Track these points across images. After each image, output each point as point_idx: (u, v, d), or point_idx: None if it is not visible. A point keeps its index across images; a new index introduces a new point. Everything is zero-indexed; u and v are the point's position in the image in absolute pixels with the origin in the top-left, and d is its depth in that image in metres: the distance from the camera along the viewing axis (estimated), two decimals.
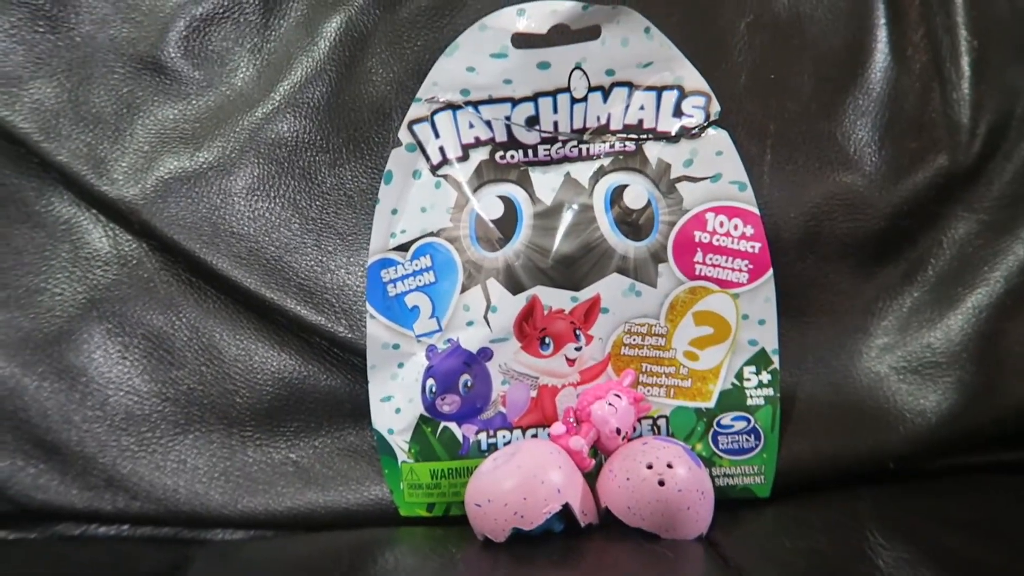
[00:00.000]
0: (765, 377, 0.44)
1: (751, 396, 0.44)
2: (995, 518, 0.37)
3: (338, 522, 0.45)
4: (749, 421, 0.44)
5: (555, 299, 0.43)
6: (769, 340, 0.44)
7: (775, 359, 0.44)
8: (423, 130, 0.43)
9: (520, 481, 0.38)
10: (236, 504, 0.45)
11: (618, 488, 0.39)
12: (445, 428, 0.44)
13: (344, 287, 0.46)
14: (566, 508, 0.38)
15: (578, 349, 0.43)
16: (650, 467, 0.38)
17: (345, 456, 0.46)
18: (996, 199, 0.45)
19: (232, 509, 0.45)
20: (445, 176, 0.44)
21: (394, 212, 0.44)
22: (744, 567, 0.36)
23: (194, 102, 0.48)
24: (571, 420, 0.43)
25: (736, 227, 0.44)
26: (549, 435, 0.42)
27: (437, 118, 0.43)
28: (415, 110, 0.44)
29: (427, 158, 0.44)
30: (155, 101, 0.48)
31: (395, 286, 0.44)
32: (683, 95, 0.43)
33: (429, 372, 0.44)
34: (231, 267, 0.46)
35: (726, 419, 0.44)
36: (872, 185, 0.46)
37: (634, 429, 0.44)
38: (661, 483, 0.38)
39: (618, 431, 0.42)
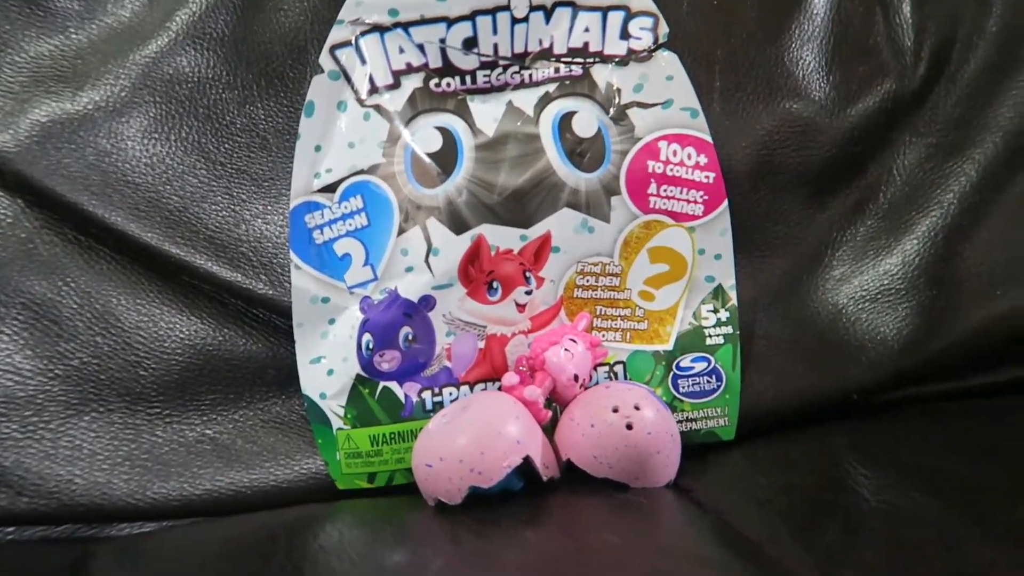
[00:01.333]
0: (724, 315, 0.42)
1: (710, 335, 0.42)
2: (974, 439, 0.36)
3: (268, 503, 0.40)
4: (709, 362, 0.42)
5: (502, 238, 0.39)
6: (726, 275, 0.42)
7: (733, 295, 0.42)
8: (347, 56, 0.39)
9: (475, 435, 0.34)
10: (145, 492, 0.40)
11: (582, 436, 0.36)
12: (385, 388, 0.40)
13: (262, 238, 0.41)
14: (526, 462, 0.35)
15: (528, 293, 0.40)
16: (616, 411, 0.35)
17: (271, 428, 0.41)
18: (943, 122, 0.44)
19: (140, 497, 0.40)
20: (375, 107, 0.39)
21: (318, 149, 0.39)
22: (721, 509, 0.33)
23: (73, 36, 0.41)
24: (524, 369, 0.39)
25: (690, 156, 0.41)
26: (501, 387, 0.38)
27: (363, 42, 0.39)
28: (337, 33, 0.39)
29: (353, 88, 0.39)
30: (26, 36, 0.41)
31: (322, 232, 0.39)
32: (630, 15, 0.40)
33: (365, 326, 0.39)
34: (127, 221, 0.40)
35: (685, 361, 0.42)
36: (822, 112, 0.44)
37: (591, 377, 0.41)
38: (629, 427, 0.35)
39: (576, 378, 0.38)
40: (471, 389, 0.40)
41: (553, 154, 0.40)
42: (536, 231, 0.39)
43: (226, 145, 0.41)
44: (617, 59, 0.40)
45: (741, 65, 0.44)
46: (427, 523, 0.33)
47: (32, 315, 0.40)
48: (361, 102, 0.39)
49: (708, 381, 0.42)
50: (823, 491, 0.32)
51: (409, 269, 0.39)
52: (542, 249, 0.40)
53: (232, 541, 0.35)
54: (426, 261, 0.39)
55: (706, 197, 0.41)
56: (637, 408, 0.35)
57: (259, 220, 0.41)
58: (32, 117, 0.40)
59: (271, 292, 0.41)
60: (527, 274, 0.40)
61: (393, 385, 0.40)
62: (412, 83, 0.39)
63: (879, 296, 0.43)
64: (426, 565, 0.28)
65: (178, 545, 0.35)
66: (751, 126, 0.43)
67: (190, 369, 0.41)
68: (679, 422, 0.41)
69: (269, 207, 0.41)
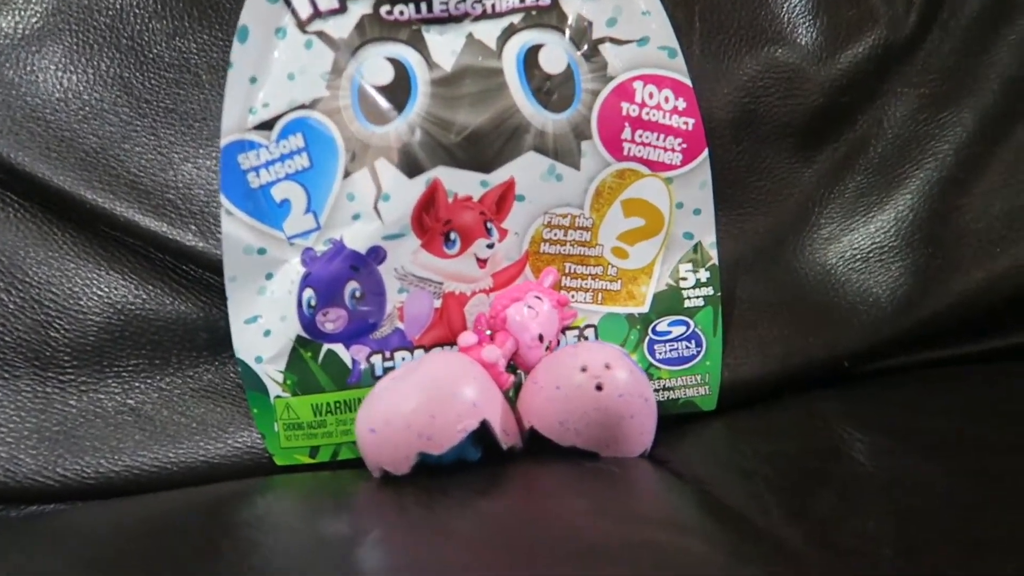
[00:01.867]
0: (704, 275, 0.38)
1: (689, 297, 0.38)
2: (976, 400, 0.33)
3: (196, 480, 0.36)
4: (688, 326, 0.38)
5: (461, 183, 0.35)
6: (706, 232, 0.38)
7: (714, 254, 0.38)
8: None
9: (426, 396, 0.30)
10: (55, 468, 0.35)
11: (547, 400, 0.32)
12: (329, 351, 0.35)
13: (192, 184, 0.36)
14: (484, 427, 0.31)
15: (490, 246, 0.36)
16: (584, 370, 0.31)
17: (201, 398, 0.37)
18: (937, 71, 0.41)
19: (50, 474, 0.35)
20: (318, 33, 0.35)
21: (253, 81, 0.35)
22: (702, 480, 0.30)
23: None
24: (484, 330, 0.35)
25: (667, 99, 0.37)
26: (458, 347, 0.34)
27: None
28: None
29: (293, 11, 0.35)
30: None
31: (258, 175, 0.35)
32: None
33: (306, 281, 0.35)
34: (36, 163, 0.36)
35: (662, 325, 0.38)
36: (809, 58, 0.41)
37: (559, 341, 0.37)
38: (599, 387, 0.31)
39: (540, 339, 0.35)
40: (426, 353, 0.36)
41: (518, 91, 0.36)
42: (498, 176, 0.35)
43: (152, 80, 0.37)
44: None
45: (723, 5, 0.40)
46: (369, 494, 0.29)
47: None
48: (302, 28, 0.35)
49: (687, 347, 0.38)
50: (814, 458, 0.29)
51: (356, 217, 0.35)
52: (505, 197, 0.36)
53: (149, 520, 0.31)
54: (375, 207, 0.35)
55: (685, 145, 0.38)
56: (608, 367, 0.31)
57: (188, 164, 0.37)
58: None
59: (201, 245, 0.36)
60: (488, 225, 0.36)
61: (339, 348, 0.35)
62: (360, 8, 0.35)
63: (871, 255, 0.40)
64: (363, 535, 0.24)
65: (84, 524, 0.30)
66: (733, 71, 0.40)
67: (108, 331, 0.36)
68: (655, 391, 0.38)
69: (201, 149, 0.37)
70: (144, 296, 0.37)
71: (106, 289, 0.36)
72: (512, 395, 0.35)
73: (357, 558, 0.24)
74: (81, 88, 0.36)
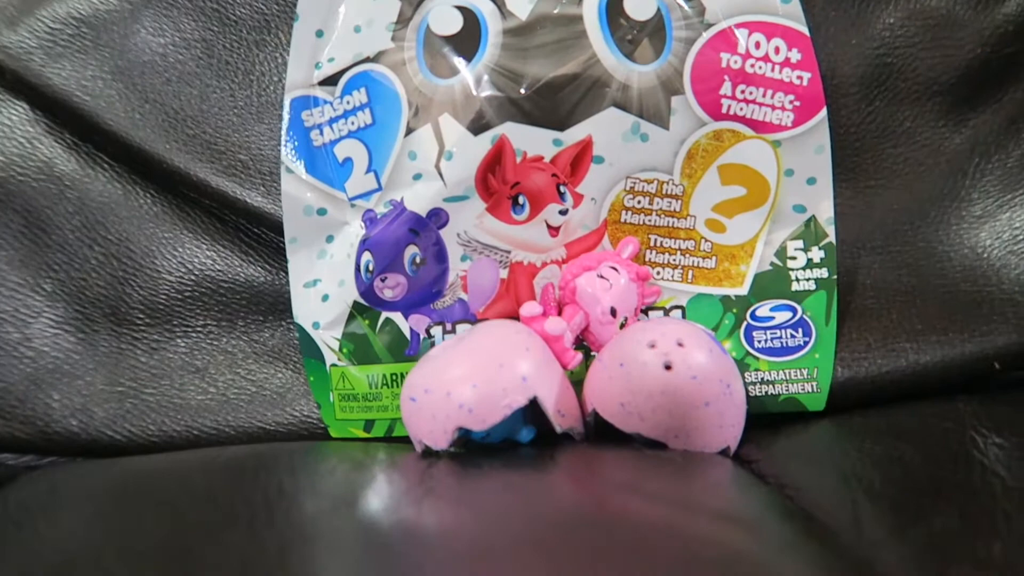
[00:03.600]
0: (817, 254, 0.33)
1: (798, 279, 0.33)
2: None
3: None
4: (796, 312, 0.32)
5: (531, 142, 0.32)
6: (822, 205, 0.33)
7: (831, 231, 0.33)
8: None
9: (471, 364, 0.27)
10: (122, 423, 0.35)
11: (609, 379, 0.28)
12: (387, 320, 0.33)
13: (263, 145, 0.36)
14: (535, 405, 0.27)
15: (563, 213, 0.32)
16: (653, 346, 0.27)
17: (264, 363, 0.36)
18: None
19: (118, 428, 0.35)
20: None
21: (319, 34, 0.33)
22: (787, 483, 0.24)
23: None
24: (551, 300, 0.32)
25: (777, 50, 0.32)
26: (520, 318, 0.31)
27: None
28: None
29: None
30: None
31: (321, 133, 0.33)
32: None
33: (365, 245, 0.33)
34: (123, 124, 0.36)
35: (764, 309, 0.33)
36: (965, 1, 0.34)
37: (637, 319, 0.32)
38: (668, 367, 0.26)
39: (613, 313, 0.30)
40: None
41: (598, 40, 0.32)
42: (574, 135, 0.32)
43: (233, 42, 0.37)
44: None
45: None
46: (402, 466, 0.26)
47: (24, 222, 0.37)
48: None
49: (792, 336, 0.32)
50: (936, 465, 0.22)
51: (417, 176, 0.32)
52: (581, 158, 0.32)
53: (152, 475, 0.30)
54: (437, 167, 0.32)
55: (797, 103, 0.32)
56: (680, 345, 0.27)
57: (262, 124, 0.36)
58: (45, 15, 0.37)
59: (268, 206, 0.35)
60: (561, 188, 0.32)
61: (397, 317, 0.33)
62: None
63: None
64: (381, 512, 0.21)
65: (118, 467, 0.30)
66: (865, 17, 0.34)
67: (180, 291, 0.36)
68: (751, 385, 0.32)
69: (275, 110, 0.36)
70: (215, 257, 0.36)
71: (180, 249, 0.36)
72: (579, 376, 0.31)
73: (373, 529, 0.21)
74: (168, 51, 0.37)
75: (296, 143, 0.33)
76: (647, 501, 0.19)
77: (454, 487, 0.21)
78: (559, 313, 0.31)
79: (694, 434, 0.26)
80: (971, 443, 0.23)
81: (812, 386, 0.32)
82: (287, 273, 0.35)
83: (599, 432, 0.29)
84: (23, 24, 0.37)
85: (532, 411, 0.27)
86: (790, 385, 0.32)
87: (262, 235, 0.37)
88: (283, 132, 0.34)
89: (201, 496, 0.22)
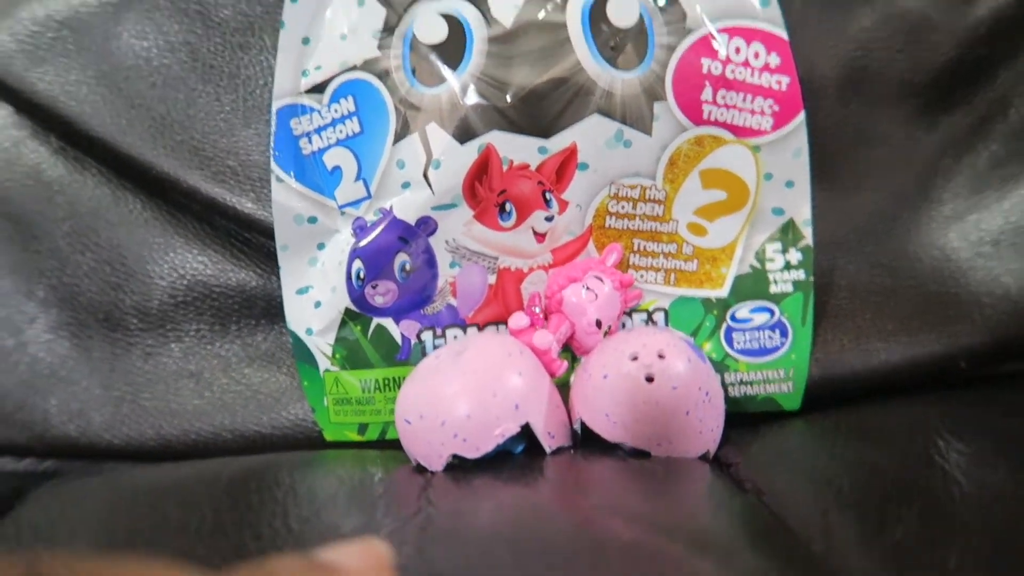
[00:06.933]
0: (794, 256, 0.34)
1: (775, 281, 0.34)
2: None
3: (249, 451, 0.36)
4: (773, 313, 0.34)
5: (517, 149, 0.33)
6: (800, 208, 0.34)
7: (808, 233, 0.34)
8: None
9: (465, 391, 0.28)
10: (120, 427, 0.36)
11: (593, 390, 0.29)
12: (379, 326, 0.34)
13: (251, 150, 0.36)
14: (527, 428, 0.28)
15: (549, 219, 0.33)
16: (635, 359, 0.28)
17: (258, 367, 0.37)
18: None
19: (116, 432, 0.36)
20: None
21: (306, 42, 0.33)
22: (764, 489, 0.26)
23: None
24: (537, 310, 0.33)
25: (757, 55, 0.33)
26: (508, 329, 0.32)
27: None
28: None
29: None
30: None
31: (310, 141, 0.34)
32: None
33: (355, 252, 0.34)
34: (109, 129, 0.36)
35: (743, 311, 0.34)
36: (938, 3, 0.34)
37: (621, 324, 0.34)
38: (649, 379, 0.27)
39: (598, 324, 0.32)
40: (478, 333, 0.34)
41: (581, 47, 0.32)
42: (558, 142, 0.33)
43: (218, 45, 0.37)
44: None
45: None
46: (399, 478, 0.27)
47: (13, 228, 0.37)
48: None
49: (770, 336, 0.34)
50: (903, 469, 0.24)
51: (406, 185, 0.33)
52: (566, 165, 0.33)
53: (158, 486, 0.30)
54: (425, 175, 0.33)
55: (776, 108, 0.33)
56: (661, 357, 0.28)
57: (249, 130, 0.36)
58: (24, 16, 0.37)
59: (259, 212, 0.36)
60: (547, 195, 0.33)
61: (388, 322, 0.34)
62: None
63: (1002, 238, 0.33)
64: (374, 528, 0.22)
65: (125, 485, 0.31)
66: (842, 20, 0.35)
67: (173, 296, 0.37)
68: (731, 385, 0.34)
69: (262, 115, 0.36)
70: (206, 262, 0.37)
71: (171, 254, 0.37)
72: (565, 380, 0.32)
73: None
74: (152, 55, 0.37)
75: (286, 151, 0.34)
76: (628, 523, 0.20)
77: (449, 515, 0.22)
78: (545, 319, 0.32)
79: (676, 441, 0.28)
80: (934, 447, 0.24)
81: (788, 386, 0.33)
82: (279, 278, 0.36)
83: (586, 438, 0.30)
84: (1, 25, 0.37)
85: (524, 431, 0.28)
86: (767, 385, 0.34)
87: (253, 240, 0.37)
88: (271, 140, 0.34)
89: (209, 528, 0.23)
